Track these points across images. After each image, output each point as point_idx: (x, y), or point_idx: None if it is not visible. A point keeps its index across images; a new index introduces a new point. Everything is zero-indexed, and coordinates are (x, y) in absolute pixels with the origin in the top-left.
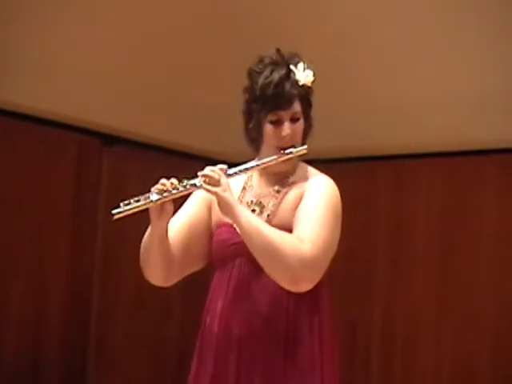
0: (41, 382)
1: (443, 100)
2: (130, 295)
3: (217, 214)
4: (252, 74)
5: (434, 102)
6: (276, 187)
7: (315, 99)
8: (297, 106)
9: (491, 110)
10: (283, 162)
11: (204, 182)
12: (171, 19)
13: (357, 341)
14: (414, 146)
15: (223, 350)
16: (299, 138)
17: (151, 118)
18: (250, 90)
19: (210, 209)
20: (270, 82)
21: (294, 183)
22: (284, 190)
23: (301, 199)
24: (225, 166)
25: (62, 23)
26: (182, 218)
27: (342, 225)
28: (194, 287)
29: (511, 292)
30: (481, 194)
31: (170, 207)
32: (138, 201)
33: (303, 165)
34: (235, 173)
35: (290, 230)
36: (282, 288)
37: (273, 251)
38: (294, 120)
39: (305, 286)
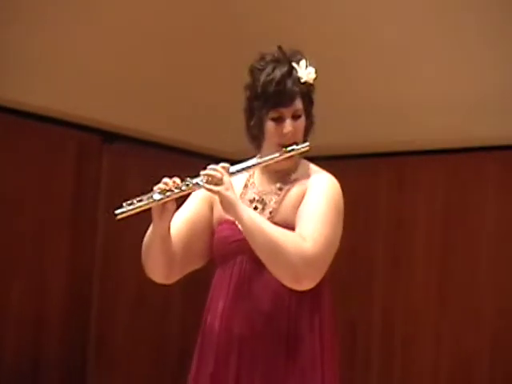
0: (41, 382)
1: (444, 97)
2: (131, 293)
3: (218, 211)
4: (253, 71)
5: (436, 100)
6: (278, 184)
7: (317, 96)
8: (298, 104)
9: (492, 107)
10: (285, 159)
11: (206, 180)
12: (171, 18)
13: (357, 339)
14: (416, 144)
15: (224, 349)
16: (301, 135)
17: (151, 114)
18: (251, 87)
19: (211, 206)
20: (272, 79)
21: (296, 180)
22: (286, 188)
23: (303, 196)
24: (227, 165)
25: (62, 21)
26: (183, 215)
27: (343, 222)
28: (195, 285)
29: (511, 290)
30: (481, 191)
31: (171, 206)
32: (140, 200)
33: (305, 162)
34: (237, 171)
35: (292, 227)
36: (283, 286)
37: (275, 249)
38: (295, 117)
39: (307, 284)
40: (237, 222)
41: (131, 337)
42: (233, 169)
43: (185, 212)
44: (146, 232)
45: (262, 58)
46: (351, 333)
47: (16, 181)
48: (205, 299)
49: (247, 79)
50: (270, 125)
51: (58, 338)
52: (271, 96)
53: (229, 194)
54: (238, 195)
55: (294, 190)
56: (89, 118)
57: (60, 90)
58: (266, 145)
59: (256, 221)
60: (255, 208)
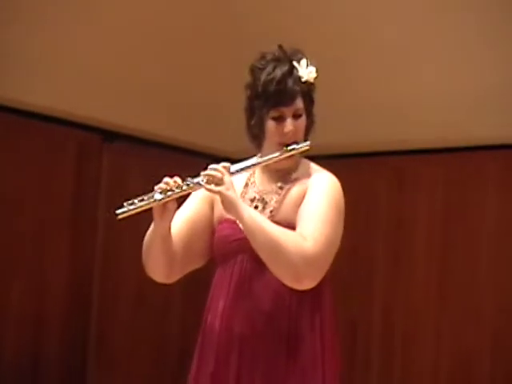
0: (41, 381)
1: (444, 97)
2: (131, 293)
3: (219, 210)
4: (254, 71)
5: (436, 99)
6: (279, 184)
7: (317, 95)
8: (299, 103)
9: (492, 106)
10: (286, 158)
11: (207, 180)
12: (171, 17)
13: (357, 338)
14: (416, 143)
15: (224, 348)
16: (301, 134)
17: (152, 113)
18: (252, 86)
19: (211, 205)
20: (273, 78)
21: (296, 180)
22: (287, 187)
23: (304, 196)
24: (228, 164)
25: (62, 21)
26: (184, 214)
27: (344, 221)
28: (195, 284)
29: (511, 289)
30: (481, 190)
31: (172, 206)
32: (141, 200)
33: (305, 161)
34: (238, 170)
35: (292, 226)
36: (284, 285)
37: (276, 248)
38: (296, 116)
39: (308, 284)
40: (237, 221)
41: (131, 336)
42: (233, 168)
43: (185, 211)
44: (146, 232)
45: (263, 57)
46: (351, 332)
47: (16, 180)
48: (205, 299)
49: (248, 78)
50: (270, 124)
51: (58, 337)
52: (272, 95)
53: (230, 193)
54: (239, 194)
55: (295, 189)
56: (89, 117)
57: (60, 89)
58: (266, 144)
59: (257, 220)
60: (256, 207)
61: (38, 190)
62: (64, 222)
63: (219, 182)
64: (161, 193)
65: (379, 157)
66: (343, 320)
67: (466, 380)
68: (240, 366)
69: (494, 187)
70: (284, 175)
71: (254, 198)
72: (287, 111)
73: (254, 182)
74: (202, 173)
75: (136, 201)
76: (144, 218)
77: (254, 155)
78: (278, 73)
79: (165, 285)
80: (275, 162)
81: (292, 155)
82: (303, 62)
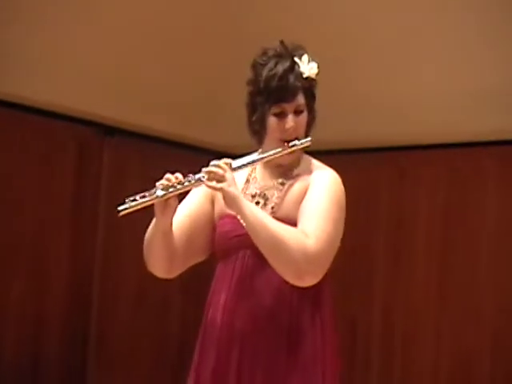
0: (41, 379)
1: (445, 93)
2: (131, 291)
3: (220, 206)
4: (256, 67)
5: (436, 96)
6: (280, 180)
7: (318, 91)
8: (301, 99)
9: (492, 103)
10: (287, 154)
11: (209, 177)
12: (171, 14)
13: (357, 336)
14: (417, 139)
15: (226, 344)
16: (303, 130)
17: (152, 108)
18: (253, 82)
19: (212, 200)
20: (274, 74)
21: (298, 176)
22: (288, 183)
23: (305, 192)
24: (230, 160)
25: (63, 17)
26: (185, 210)
27: (345, 218)
28: (195, 281)
29: (511, 287)
30: (482, 187)
31: (174, 202)
32: (143, 197)
33: (307, 157)
34: (240, 166)
35: (294, 223)
36: (285, 281)
37: (277, 245)
38: (297, 112)
39: (309, 281)
40: (238, 217)
41: (131, 334)
42: (235, 164)
43: (186, 206)
44: (146, 230)
45: (265, 52)
46: (351, 330)
47: (16, 175)
48: (205, 295)
49: (248, 74)
50: (272, 120)
51: (58, 336)
52: (273, 91)
53: (231, 190)
54: (240, 190)
55: (297, 186)
56: (89, 112)
57: (60, 84)
58: (267, 140)
59: (259, 216)
60: (257, 203)
61: (37, 185)
62: (64, 219)
63: (221, 178)
64: (162, 189)
65: (380, 153)
66: (343, 319)
67: (466, 379)
68: (241, 361)
69: (495, 184)
70: (285, 171)
71: (256, 193)
72: (289, 107)
73: (256, 177)
74: (204, 169)
75: (138, 197)
76: (144, 214)
77: (255, 151)
78: (280, 69)
79: (164, 283)
80: (277, 157)
81: (293, 151)
82: (305, 57)
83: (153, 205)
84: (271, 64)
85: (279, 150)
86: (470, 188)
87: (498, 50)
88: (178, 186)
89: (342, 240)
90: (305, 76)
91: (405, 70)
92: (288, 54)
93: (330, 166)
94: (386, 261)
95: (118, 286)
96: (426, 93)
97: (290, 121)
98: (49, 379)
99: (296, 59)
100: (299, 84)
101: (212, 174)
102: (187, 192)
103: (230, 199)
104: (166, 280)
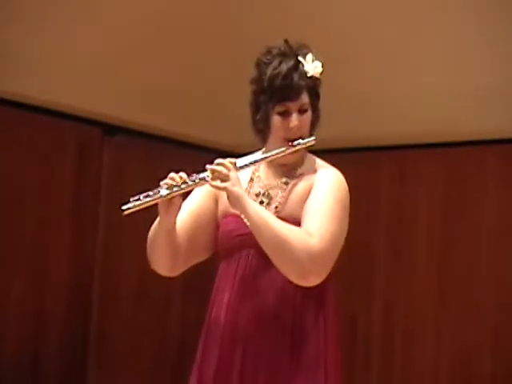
0: (41, 376)
1: (445, 92)
2: (132, 287)
3: (224, 204)
4: (260, 65)
5: (437, 94)
6: (284, 179)
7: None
8: (305, 98)
9: (492, 101)
10: (291, 153)
11: (213, 176)
12: (171, 11)
13: (357, 332)
14: (417, 137)
15: (229, 343)
16: (307, 129)
17: (153, 107)
18: (257, 81)
19: (216, 199)
20: (279, 73)
21: (302, 175)
22: (292, 182)
23: (309, 192)
24: (234, 160)
25: (63, 15)
26: (188, 208)
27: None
28: (196, 278)
29: (511, 284)
30: (482, 185)
31: (178, 201)
32: (147, 196)
33: (311, 156)
34: (244, 165)
35: (298, 222)
36: (289, 281)
37: (281, 244)
38: (301, 111)
39: (313, 280)
40: (242, 216)
41: (132, 331)
42: (239, 163)
43: (189, 205)
44: (146, 229)
45: (269, 51)
46: (352, 326)
47: (16, 175)
48: (207, 294)
49: (249, 72)
50: (276, 119)
51: (58, 335)
52: (277, 90)
53: (236, 189)
54: (244, 189)
55: (301, 185)
56: (89, 110)
57: (60, 83)
58: (271, 139)
59: (262, 216)
60: (261, 202)
61: (37, 185)
62: (64, 219)
63: (225, 177)
64: (167, 188)
65: (380, 151)
66: (344, 314)
67: (466, 377)
68: (244, 361)
69: (495, 181)
70: (289, 170)
71: (260, 192)
72: (293, 106)
73: (259, 176)
74: (208, 166)
75: (142, 196)
76: (145, 212)
77: (258, 150)
78: (284, 67)
79: (166, 279)
80: (280, 156)
81: (297, 150)
82: (309, 56)
83: (156, 204)
84: (275, 63)
85: (283, 149)
86: (469, 186)
87: (498, 50)
88: (183, 186)
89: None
90: (309, 75)
91: (405, 69)
92: (292, 52)
93: (331, 165)
94: (387, 259)
95: (118, 286)
96: (427, 92)
97: (294, 120)
98: (49, 378)
99: (300, 58)
100: (303, 83)
101: (216, 173)
102: (191, 190)
103: (234, 198)
104: (167, 279)
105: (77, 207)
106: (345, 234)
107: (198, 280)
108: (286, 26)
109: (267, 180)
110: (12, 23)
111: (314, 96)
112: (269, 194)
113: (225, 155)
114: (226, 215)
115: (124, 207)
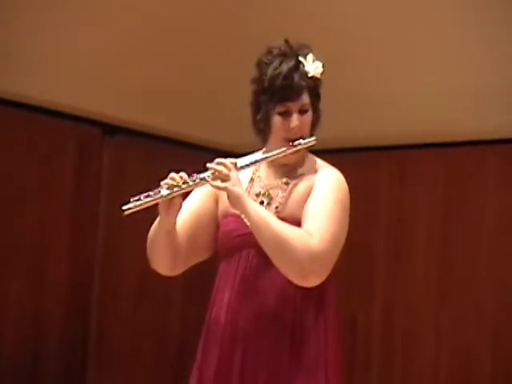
0: (41, 375)
1: (445, 92)
2: (132, 287)
3: (224, 204)
4: (260, 65)
5: (437, 94)
6: (284, 179)
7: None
8: (305, 98)
9: (492, 101)
10: (291, 153)
11: (214, 176)
12: (171, 9)
13: (357, 332)
14: (417, 137)
15: (229, 343)
16: (307, 129)
17: (153, 107)
18: (258, 81)
19: (216, 199)
20: (279, 73)
21: (302, 175)
22: (293, 182)
23: (310, 192)
24: (235, 160)
25: (63, 15)
26: (189, 207)
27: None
28: (196, 278)
29: (511, 284)
30: (482, 185)
31: (178, 201)
32: (147, 196)
33: (311, 156)
34: (245, 166)
35: (298, 222)
36: (289, 281)
37: (281, 245)
38: (302, 112)
39: (313, 281)
40: (242, 216)
41: (132, 331)
42: (240, 163)
43: (190, 204)
44: (146, 228)
45: (269, 51)
46: (351, 328)
47: (15, 175)
48: (207, 294)
49: (249, 71)
50: (276, 119)
51: (58, 335)
52: (278, 90)
53: (236, 189)
54: (245, 189)
55: (301, 185)
56: (89, 110)
57: (60, 83)
58: (272, 139)
59: (263, 216)
60: (261, 202)
61: (37, 184)
62: (64, 219)
63: (225, 177)
64: (167, 188)
65: (380, 151)
66: (343, 314)
67: (466, 377)
68: (244, 361)
69: (495, 181)
70: (290, 170)
71: (260, 192)
72: (293, 106)
73: (260, 176)
74: (209, 165)
75: (142, 196)
76: (145, 212)
77: (259, 149)
78: (285, 68)
79: (166, 279)
80: (281, 156)
81: (298, 150)
82: (309, 57)
83: (156, 204)
84: (276, 63)
85: (284, 149)
86: (469, 186)
87: (498, 50)
88: (183, 186)
89: None
90: (310, 75)
91: (405, 69)
92: (293, 52)
93: (331, 164)
94: (386, 259)
95: (118, 286)
96: (427, 92)
97: (295, 120)
98: (49, 378)
99: (301, 58)
100: (304, 83)
101: (217, 173)
102: (191, 190)
103: (234, 198)
104: (167, 279)
105: (77, 207)
106: (345, 235)
107: (198, 280)
108: (286, 26)
109: (268, 180)
110: (12, 23)
111: (315, 96)
112: (269, 194)
113: (225, 155)
114: (227, 215)
115: (124, 207)
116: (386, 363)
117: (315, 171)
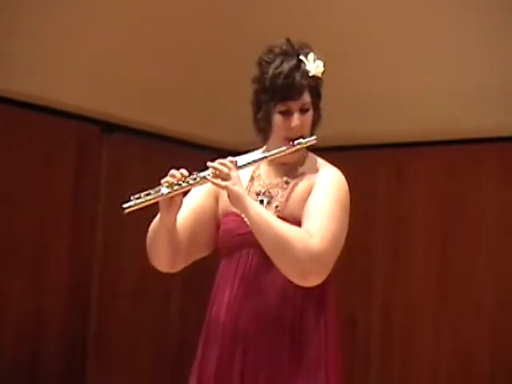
0: (40, 375)
1: (444, 90)
2: (131, 286)
3: (224, 203)
4: (262, 64)
5: (435, 93)
6: (285, 178)
7: None
8: (306, 97)
9: (491, 99)
10: (292, 152)
11: (214, 174)
12: (171, 10)
13: (356, 331)
14: (415, 135)
15: (229, 342)
16: (308, 128)
17: (151, 105)
18: (259, 79)
19: (216, 197)
20: (280, 72)
21: (303, 174)
22: (293, 182)
23: (310, 191)
24: (235, 159)
25: (63, 13)
26: (189, 205)
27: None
28: (195, 277)
29: (511, 284)
30: (481, 183)
31: (178, 199)
32: (148, 194)
33: (312, 156)
34: (245, 165)
35: (298, 221)
36: (289, 281)
37: (282, 244)
38: (303, 111)
39: (313, 280)
40: (243, 215)
41: (131, 330)
42: (240, 162)
43: (190, 202)
44: (146, 225)
45: (270, 50)
46: (351, 328)
47: (15, 175)
48: (206, 290)
49: (249, 70)
50: (277, 118)
51: (57, 335)
52: (279, 89)
53: (236, 188)
54: (245, 187)
55: (301, 185)
56: (88, 108)
57: (59, 81)
58: (272, 138)
59: (263, 216)
60: (261, 201)
61: (37, 183)
62: (64, 218)
63: (226, 176)
64: (168, 187)
65: (378, 149)
66: (343, 313)
67: (466, 376)
68: (244, 361)
69: (494, 179)
70: (290, 169)
71: (260, 191)
72: (294, 105)
73: (260, 174)
74: (210, 164)
75: (142, 195)
76: (143, 215)
77: (259, 148)
78: (286, 67)
79: (165, 282)
80: (282, 156)
81: (298, 150)
82: (310, 56)
83: (156, 202)
84: (277, 62)
85: (284, 148)
86: (468, 184)
87: (498, 50)
88: (183, 184)
89: None
90: (311, 74)
91: (405, 69)
92: (294, 51)
93: (329, 162)
94: (385, 258)
95: (117, 285)
96: (427, 92)
97: (296, 119)
98: (48, 378)
99: (302, 57)
100: (305, 82)
101: (217, 172)
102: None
103: (234, 198)
104: (166, 278)
105: (76, 206)
106: (345, 235)
107: (198, 278)
108: (286, 26)
109: (268, 179)
110: (12, 23)
111: (316, 95)
112: (269, 192)
113: (225, 154)
114: (227, 214)
115: (125, 205)
116: (385, 363)
117: (316, 170)
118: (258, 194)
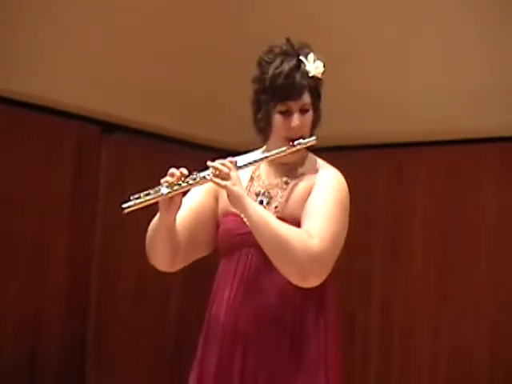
0: (39, 374)
1: (443, 90)
2: (130, 286)
3: (224, 202)
4: (262, 64)
5: (435, 93)
6: (284, 178)
7: None
8: (306, 98)
9: (491, 99)
10: (292, 153)
11: (214, 174)
12: (171, 10)
13: (355, 330)
14: (415, 135)
15: (229, 342)
16: (308, 129)
17: (151, 105)
18: (259, 79)
19: (216, 196)
20: (280, 72)
21: (302, 175)
22: (293, 182)
23: (310, 192)
24: (235, 159)
25: (62, 13)
26: (189, 204)
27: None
28: (195, 276)
29: (510, 284)
30: (481, 183)
31: (178, 199)
32: (147, 194)
33: (312, 156)
34: (245, 165)
35: (298, 222)
36: (289, 281)
37: (281, 245)
38: (303, 111)
39: (313, 281)
40: (242, 215)
41: (130, 329)
42: (240, 162)
43: (190, 201)
44: (145, 225)
45: (270, 50)
46: (350, 327)
47: (14, 174)
48: (206, 290)
49: (249, 72)
50: (277, 118)
51: (57, 331)
52: (279, 89)
53: (236, 188)
54: (245, 188)
55: (301, 185)
56: (88, 108)
57: (58, 81)
58: (272, 138)
59: (263, 216)
60: (261, 202)
61: (36, 183)
62: (63, 218)
63: (226, 176)
64: (167, 186)
65: (378, 149)
66: (342, 312)
67: (465, 375)
68: (244, 361)
69: (494, 179)
70: (290, 169)
71: (260, 192)
72: (294, 106)
73: (260, 175)
74: (210, 163)
75: (142, 194)
76: (143, 215)
77: (258, 148)
78: (286, 67)
79: (164, 279)
80: (281, 156)
81: (298, 150)
82: (310, 56)
83: (156, 202)
84: (277, 62)
85: (284, 148)
86: (468, 184)
87: (498, 50)
88: (183, 184)
89: None
90: (311, 75)
91: (405, 69)
92: (294, 52)
93: (328, 162)
94: (384, 257)
95: (116, 284)
96: (427, 92)
97: (296, 119)
98: (47, 377)
99: (302, 58)
100: (305, 82)
101: (217, 172)
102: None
103: (234, 198)
104: (166, 277)
105: (75, 205)
106: (345, 235)
107: (197, 277)
108: (286, 26)
109: (268, 179)
110: (12, 23)
111: (316, 96)
112: (269, 193)
113: (225, 154)
114: (227, 213)
115: (124, 205)
116: (384, 362)
117: (315, 171)
118: (257, 195)
